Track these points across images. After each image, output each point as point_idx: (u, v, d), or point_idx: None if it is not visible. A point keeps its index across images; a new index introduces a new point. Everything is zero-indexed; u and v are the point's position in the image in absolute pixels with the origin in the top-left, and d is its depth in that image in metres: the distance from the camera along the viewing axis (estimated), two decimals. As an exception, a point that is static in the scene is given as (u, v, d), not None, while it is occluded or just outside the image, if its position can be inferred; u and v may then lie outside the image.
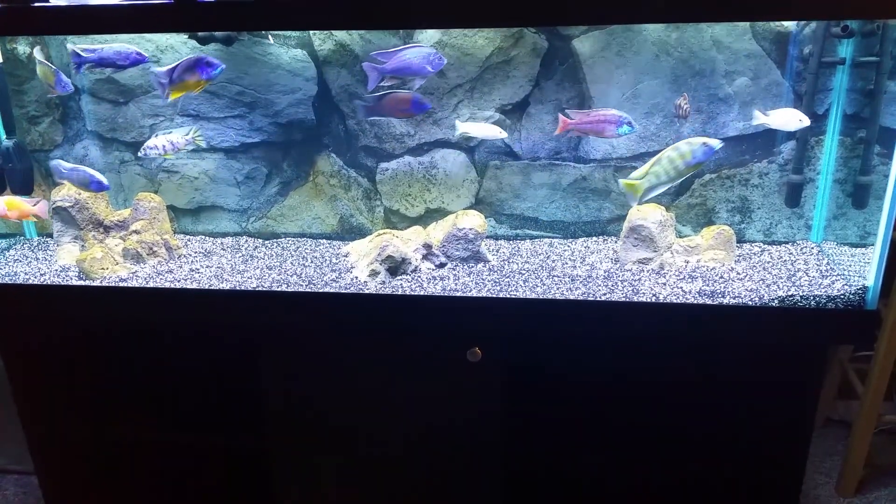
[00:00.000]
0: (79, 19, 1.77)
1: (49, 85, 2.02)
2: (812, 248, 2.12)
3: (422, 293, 1.91)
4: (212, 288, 1.98)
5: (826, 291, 1.82)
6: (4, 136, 2.21)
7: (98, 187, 2.06)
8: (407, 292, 1.92)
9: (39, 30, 2.00)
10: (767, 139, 2.12)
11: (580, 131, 1.95)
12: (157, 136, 2.06)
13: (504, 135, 2.07)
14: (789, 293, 1.81)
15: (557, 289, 1.90)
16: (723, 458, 1.98)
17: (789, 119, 1.90)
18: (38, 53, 2.06)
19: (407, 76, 1.91)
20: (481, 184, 2.29)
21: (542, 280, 1.95)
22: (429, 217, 2.33)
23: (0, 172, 2.19)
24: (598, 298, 1.85)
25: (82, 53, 1.90)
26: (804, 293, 1.81)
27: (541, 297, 1.87)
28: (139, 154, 2.08)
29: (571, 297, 1.86)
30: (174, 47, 2.20)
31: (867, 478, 2.57)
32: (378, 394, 2.02)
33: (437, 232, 2.14)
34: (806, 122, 1.89)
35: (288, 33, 2.17)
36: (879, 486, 2.58)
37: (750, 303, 1.80)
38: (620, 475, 2.05)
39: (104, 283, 2.02)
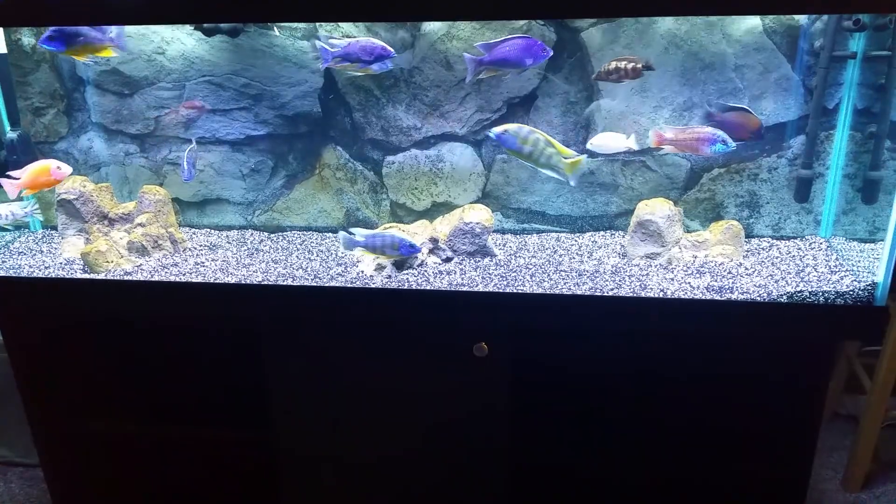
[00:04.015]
0: (83, 11, 1.76)
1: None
2: (821, 243, 2.11)
3: (428, 287, 1.90)
4: (217, 281, 1.97)
5: (835, 287, 1.80)
6: (9, 128, 2.20)
7: (409, 251, 1.95)
8: (413, 287, 1.91)
9: (44, 21, 1.98)
10: (777, 133, 2.10)
11: (675, 147, 1.93)
12: (1, 205, 2.11)
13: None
14: (798, 289, 1.80)
15: (564, 284, 1.89)
16: (730, 453, 1.98)
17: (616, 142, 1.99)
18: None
19: (506, 68, 1.85)
20: (488, 177, 2.28)
21: (548, 275, 1.94)
22: (435, 211, 2.31)
23: (4, 164, 2.19)
24: (606, 294, 1.84)
25: (329, 48, 1.86)
26: (813, 289, 1.80)
27: (548, 291, 1.86)
28: None
29: (578, 293, 1.85)
30: (180, 39, 2.19)
31: (874, 472, 2.56)
32: (383, 388, 2.02)
33: (443, 226, 2.12)
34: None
35: (294, 25, 2.16)
36: (886, 481, 2.58)
37: (758, 298, 1.79)
38: (627, 470, 2.04)
39: (109, 277, 2.01)
